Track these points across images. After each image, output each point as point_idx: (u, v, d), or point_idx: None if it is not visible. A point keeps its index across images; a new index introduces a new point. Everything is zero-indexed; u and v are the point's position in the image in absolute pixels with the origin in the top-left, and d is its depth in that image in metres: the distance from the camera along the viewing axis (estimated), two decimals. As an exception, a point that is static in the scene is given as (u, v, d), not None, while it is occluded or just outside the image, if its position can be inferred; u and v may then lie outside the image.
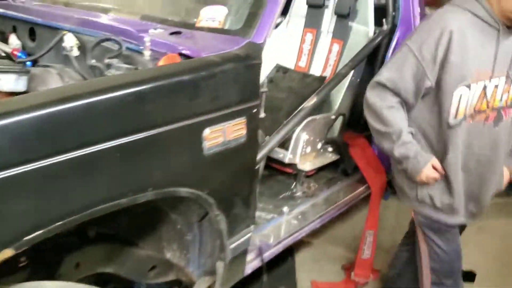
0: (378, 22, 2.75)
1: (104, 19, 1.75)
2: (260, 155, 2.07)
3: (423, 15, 2.69)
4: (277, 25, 3.08)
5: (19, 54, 1.83)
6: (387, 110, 1.78)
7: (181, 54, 1.50)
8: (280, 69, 3.04)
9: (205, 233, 1.72)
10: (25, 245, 1.04)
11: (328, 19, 2.98)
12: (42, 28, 1.79)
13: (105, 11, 1.90)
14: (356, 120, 3.01)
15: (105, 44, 1.54)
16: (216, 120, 1.43)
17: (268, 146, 2.12)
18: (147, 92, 1.21)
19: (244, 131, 1.53)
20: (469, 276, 2.64)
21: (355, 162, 2.74)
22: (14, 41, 1.88)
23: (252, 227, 1.77)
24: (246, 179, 1.63)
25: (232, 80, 1.47)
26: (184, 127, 1.33)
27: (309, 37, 3.04)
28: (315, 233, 3.13)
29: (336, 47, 2.92)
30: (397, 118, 1.79)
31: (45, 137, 1.04)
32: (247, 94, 1.53)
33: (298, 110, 2.32)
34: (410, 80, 1.74)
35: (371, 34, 2.76)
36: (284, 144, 2.40)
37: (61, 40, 1.61)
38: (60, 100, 1.06)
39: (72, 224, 1.11)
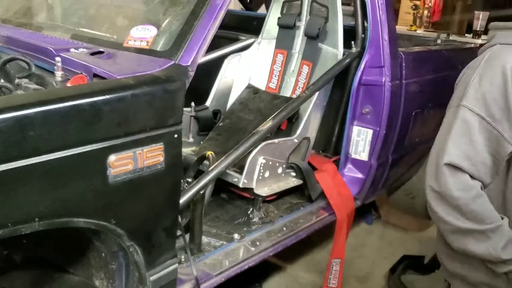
0: (348, 44, 2.68)
1: (30, 37, 1.70)
2: (207, 179, 2.00)
3: (393, 40, 2.60)
4: (249, 45, 3.03)
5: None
6: (475, 202, 1.42)
7: (96, 76, 1.44)
8: (251, 90, 2.98)
9: (131, 263, 1.64)
10: None
11: (299, 40, 2.91)
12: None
13: (40, 29, 1.86)
14: (323, 145, 2.93)
15: (22, 63, 1.49)
16: (124, 146, 1.35)
17: (216, 170, 2.04)
18: (30, 117, 1.14)
19: (161, 158, 1.46)
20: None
21: (320, 188, 2.65)
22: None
23: (182, 257, 1.69)
24: (165, 209, 1.55)
25: (147, 103, 1.40)
26: (81, 154, 1.25)
27: (279, 58, 2.97)
28: (288, 257, 3.04)
29: (306, 69, 2.84)
30: (488, 209, 1.43)
31: None
32: (165, 118, 1.46)
33: (252, 133, 2.25)
34: (484, 152, 1.40)
35: (340, 56, 2.69)
36: (242, 168, 2.32)
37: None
38: None
39: None
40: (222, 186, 2.45)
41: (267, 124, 2.27)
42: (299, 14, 2.89)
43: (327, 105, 2.72)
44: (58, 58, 1.41)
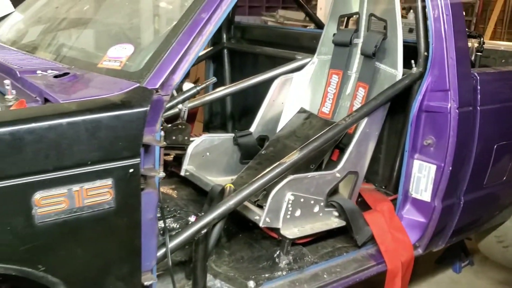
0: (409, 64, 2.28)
1: (11, 57, 1.61)
2: (210, 217, 1.76)
3: (462, 59, 2.15)
4: (303, 66, 2.75)
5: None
6: None
7: (47, 100, 1.28)
8: (303, 114, 2.69)
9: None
10: None
11: (356, 60, 2.56)
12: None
13: (35, 50, 1.78)
14: (385, 180, 2.53)
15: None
16: (55, 182, 1.17)
17: (223, 207, 1.80)
18: None
19: (109, 196, 1.25)
20: None
21: (370, 231, 2.25)
22: None
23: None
24: (120, 254, 1.33)
25: (90, 132, 1.21)
26: (-1, 190, 1.09)
27: (334, 79, 2.64)
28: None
29: (361, 92, 2.48)
30: None
31: None
32: (116, 150, 1.25)
33: (273, 166, 1.96)
34: None
35: (399, 77, 2.29)
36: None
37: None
38: None
39: None
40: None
41: (294, 155, 1.97)
42: (356, 30, 2.54)
43: (389, 134, 2.33)
44: (7, 81, 1.28)
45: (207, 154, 2.46)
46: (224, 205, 1.80)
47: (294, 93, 2.71)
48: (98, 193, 1.23)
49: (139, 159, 1.29)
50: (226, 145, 2.54)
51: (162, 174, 1.37)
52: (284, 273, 2.03)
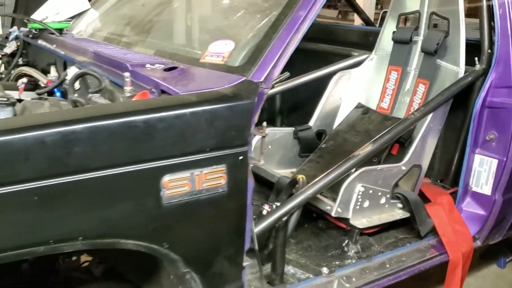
0: (471, 61, 2.34)
1: (114, 52, 1.72)
2: (291, 205, 1.85)
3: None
4: (361, 62, 2.82)
5: (51, 85, 1.90)
6: None
7: (164, 92, 1.39)
8: (361, 109, 2.76)
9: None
10: None
11: (415, 57, 2.63)
12: (69, 61, 1.84)
13: (130, 45, 1.88)
14: (441, 174, 2.59)
15: (98, 78, 1.49)
16: (181, 167, 1.27)
17: (302, 196, 1.89)
18: (76, 133, 1.11)
19: (223, 181, 1.35)
20: None
21: (432, 223, 2.32)
22: (52, 72, 1.97)
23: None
24: (228, 236, 1.43)
25: (208, 122, 1.30)
26: (131, 173, 1.19)
27: (393, 75, 2.71)
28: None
29: (422, 88, 2.54)
30: None
31: None
32: (229, 139, 1.35)
33: (347, 158, 2.04)
34: None
35: (461, 74, 2.35)
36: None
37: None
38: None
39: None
40: (318, 212, 2.27)
41: (367, 148, 2.05)
42: (417, 28, 2.61)
43: (446, 129, 2.39)
44: (126, 74, 1.39)
45: (269, 147, 2.54)
46: (302, 194, 1.89)
47: (352, 89, 2.78)
48: (214, 178, 1.33)
49: (247, 147, 1.38)
50: (286, 138, 2.62)
51: (262, 162, 1.46)
52: (354, 261, 2.12)
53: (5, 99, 1.44)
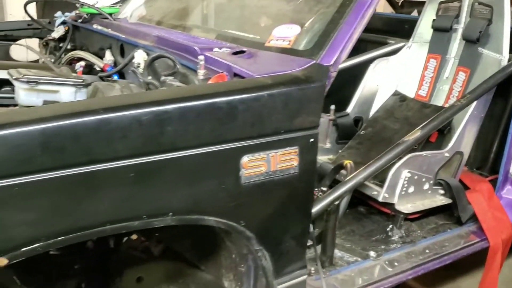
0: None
1: (177, 36, 1.75)
2: (343, 189, 1.88)
3: None
4: (398, 50, 2.84)
5: (108, 68, 1.93)
6: None
7: (236, 75, 1.42)
8: (398, 97, 2.78)
9: (259, 267, 1.59)
10: (21, 256, 1.03)
11: (455, 45, 2.64)
12: (128, 45, 1.87)
13: (187, 30, 1.91)
14: (478, 162, 2.62)
15: (168, 61, 1.52)
16: (258, 148, 1.30)
17: (353, 181, 1.91)
18: (168, 112, 1.14)
19: (295, 162, 1.38)
20: None
21: (472, 210, 2.36)
22: (108, 57, 2.00)
23: (313, 269, 1.59)
24: (296, 216, 1.47)
25: (283, 104, 1.34)
26: (215, 152, 1.23)
27: (432, 63, 2.72)
28: (429, 283, 2.75)
29: (462, 76, 2.56)
30: None
31: (51, 150, 1.03)
32: (302, 121, 1.38)
33: (397, 143, 2.07)
34: None
35: (504, 62, 2.37)
36: (383, 180, 2.16)
37: (133, 57, 1.65)
38: (71, 114, 1.05)
39: (74, 241, 1.09)
40: (359, 198, 2.30)
41: (415, 134, 2.07)
42: (457, 15, 2.62)
43: (485, 117, 2.41)
44: (201, 57, 1.42)
45: (308, 134, 2.57)
46: (354, 179, 1.92)
47: (388, 76, 2.80)
48: (287, 159, 1.37)
49: (317, 130, 1.42)
50: (323, 125, 2.65)
51: (328, 145, 1.49)
52: (398, 245, 2.15)
53: (81, 80, 1.47)
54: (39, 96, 1.44)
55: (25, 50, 2.75)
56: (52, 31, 2.44)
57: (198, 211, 1.25)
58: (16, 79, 1.39)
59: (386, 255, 2.09)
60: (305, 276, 1.57)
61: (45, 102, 1.45)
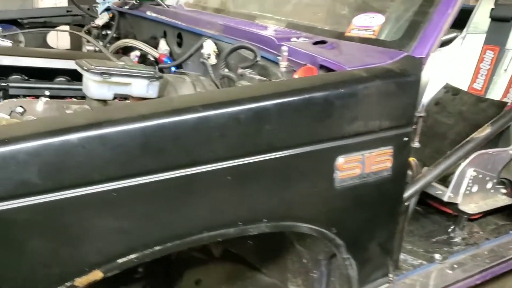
0: None
1: (246, 26, 1.63)
2: (413, 190, 1.76)
3: None
4: (450, 41, 2.70)
5: (165, 59, 1.82)
6: None
7: (322, 67, 1.30)
8: (450, 90, 2.65)
9: (333, 274, 1.49)
10: (116, 269, 0.93)
11: (516, 36, 2.51)
12: (188, 34, 1.75)
13: (251, 18, 1.79)
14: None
15: (243, 52, 1.41)
16: (353, 148, 1.19)
17: (424, 180, 1.79)
18: (267, 110, 1.04)
19: (389, 164, 1.27)
20: None
21: (536, 210, 2.24)
22: (163, 46, 1.88)
23: (391, 276, 1.49)
24: (385, 221, 1.36)
25: (379, 100, 1.23)
26: (310, 153, 1.12)
27: (489, 55, 2.58)
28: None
29: (523, 69, 2.43)
30: None
31: (149, 152, 0.92)
32: (397, 118, 1.27)
33: (466, 140, 1.95)
34: None
35: None
36: (444, 179, 2.04)
37: (201, 47, 1.54)
38: (170, 111, 0.95)
39: (170, 251, 0.99)
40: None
41: (485, 131, 1.95)
42: (520, 4, 2.48)
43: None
44: (284, 48, 1.30)
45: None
46: (424, 179, 1.80)
47: (440, 68, 2.67)
48: (382, 160, 1.26)
49: (411, 128, 1.30)
50: None
51: (417, 144, 1.38)
52: (462, 248, 2.04)
53: (153, 72, 1.36)
54: (110, 89, 1.33)
55: (55, 37, 2.65)
56: (95, 18, 2.32)
57: (291, 217, 1.14)
58: (88, 70, 1.29)
59: (452, 258, 1.98)
60: (387, 285, 1.46)
61: (116, 96, 1.35)
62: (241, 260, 1.78)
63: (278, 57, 1.35)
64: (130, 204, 0.92)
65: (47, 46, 2.53)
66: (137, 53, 1.85)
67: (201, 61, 1.51)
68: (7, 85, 1.51)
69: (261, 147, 1.05)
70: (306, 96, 1.10)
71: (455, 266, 1.94)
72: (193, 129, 0.96)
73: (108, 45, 2.16)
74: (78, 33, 2.07)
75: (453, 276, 1.88)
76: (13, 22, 2.34)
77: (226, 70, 1.38)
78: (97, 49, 2.22)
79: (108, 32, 2.33)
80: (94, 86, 1.31)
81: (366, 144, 1.22)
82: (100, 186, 0.88)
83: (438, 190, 2.03)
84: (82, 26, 2.57)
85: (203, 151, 0.98)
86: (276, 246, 1.61)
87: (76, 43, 2.55)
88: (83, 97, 1.70)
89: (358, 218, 1.28)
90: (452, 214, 2.16)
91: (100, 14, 2.31)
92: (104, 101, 1.36)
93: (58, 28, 2.42)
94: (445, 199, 2.00)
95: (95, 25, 2.29)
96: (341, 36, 1.49)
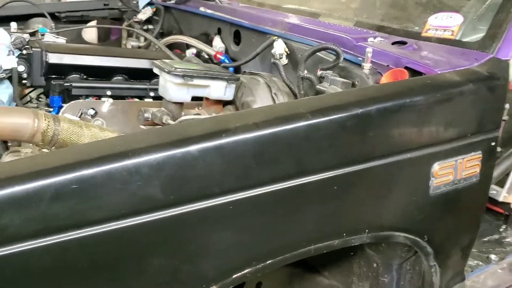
0: None
1: (314, 25, 1.58)
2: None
3: None
4: None
5: (222, 57, 1.77)
6: None
7: (407, 69, 1.26)
8: None
9: (404, 278, 1.46)
10: (230, 284, 0.90)
11: None
12: (248, 31, 1.70)
13: (314, 15, 1.74)
14: None
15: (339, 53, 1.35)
16: (448, 154, 1.16)
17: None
18: (371, 115, 1.00)
19: (477, 169, 1.23)
20: None
21: None
22: (218, 43, 1.83)
23: (465, 281, 1.46)
24: (470, 227, 1.33)
25: (471, 104, 1.19)
26: (409, 160, 1.09)
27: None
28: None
29: None
30: None
31: (264, 162, 0.88)
32: (486, 122, 1.23)
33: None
34: None
35: None
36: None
37: (271, 46, 1.49)
38: (282, 119, 0.91)
39: (279, 265, 0.95)
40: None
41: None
42: None
43: None
44: (369, 49, 1.26)
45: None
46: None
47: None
48: (472, 166, 1.22)
49: (498, 132, 1.27)
50: None
51: (499, 148, 1.35)
52: (515, 248, 2.02)
53: (230, 73, 1.32)
54: (188, 92, 1.29)
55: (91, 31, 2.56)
56: (137, 12, 2.26)
57: (389, 227, 1.11)
58: (169, 72, 1.24)
59: (508, 258, 1.95)
60: (461, 290, 1.44)
61: (193, 98, 1.31)
62: (301, 262, 1.75)
63: (359, 58, 1.31)
64: (245, 217, 0.89)
65: (82, 41, 2.47)
66: (193, 50, 1.80)
67: (273, 61, 1.46)
68: (71, 85, 1.47)
69: (364, 155, 1.01)
70: (407, 100, 1.07)
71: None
72: (304, 138, 0.92)
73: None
74: (133, 29, 2.00)
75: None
76: (51, 16, 2.27)
77: (306, 72, 1.33)
78: (140, 45, 2.17)
79: (150, 27, 2.28)
80: (174, 88, 1.26)
81: (459, 149, 1.18)
82: (218, 199, 0.85)
83: (493, 190, 2.01)
84: (118, 20, 2.52)
85: (313, 160, 0.94)
86: (342, 249, 1.59)
87: (103, 38, 2.48)
88: (141, 97, 1.66)
89: (446, 225, 1.25)
90: (502, 214, 2.14)
91: (142, 8, 2.26)
92: (181, 104, 1.32)
93: (111, 25, 2.36)
94: (500, 199, 1.98)
95: (137, 20, 2.23)
96: (417, 36, 1.44)
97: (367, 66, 1.28)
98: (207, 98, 1.36)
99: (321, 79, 1.31)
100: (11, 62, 1.42)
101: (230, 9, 1.83)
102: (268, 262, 0.93)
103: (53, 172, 0.73)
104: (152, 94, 1.58)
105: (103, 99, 1.47)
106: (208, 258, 0.86)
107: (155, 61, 1.32)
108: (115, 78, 1.62)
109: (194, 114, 1.35)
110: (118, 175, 0.76)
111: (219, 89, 1.32)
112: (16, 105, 1.47)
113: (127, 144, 0.81)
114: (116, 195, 0.76)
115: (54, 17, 2.35)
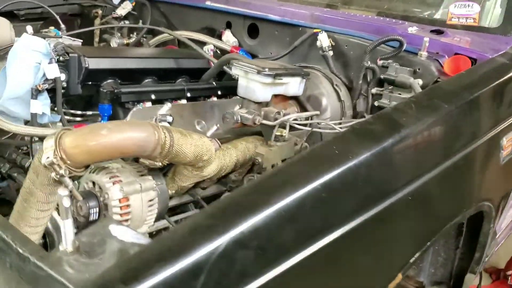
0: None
1: (343, 16, 1.65)
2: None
3: None
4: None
5: (239, 52, 1.76)
6: None
7: (457, 55, 1.40)
8: None
9: (438, 242, 1.63)
10: (408, 268, 0.96)
11: None
12: (268, 24, 1.71)
13: (332, 7, 1.81)
14: None
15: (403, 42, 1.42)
16: (510, 128, 1.33)
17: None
18: (479, 101, 1.13)
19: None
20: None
21: None
22: (230, 38, 1.81)
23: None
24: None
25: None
26: (493, 137, 1.25)
27: None
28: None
29: None
30: None
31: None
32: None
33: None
34: None
35: None
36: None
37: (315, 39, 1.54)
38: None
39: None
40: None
41: None
42: None
43: None
44: (426, 39, 1.37)
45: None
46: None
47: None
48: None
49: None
50: None
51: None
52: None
53: (301, 69, 1.34)
54: (271, 91, 1.28)
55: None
56: (115, 7, 2.11)
57: (482, 199, 1.28)
58: (259, 72, 1.22)
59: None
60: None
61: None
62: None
63: (418, 48, 1.41)
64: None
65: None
66: (211, 46, 1.75)
67: (322, 54, 1.50)
68: (120, 91, 1.35)
69: (475, 136, 1.14)
70: (491, 86, 1.21)
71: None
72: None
73: (144, 38, 1.99)
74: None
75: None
76: (9, 14, 2.03)
77: (368, 62, 1.41)
78: (125, 43, 2.04)
79: (126, 22, 2.14)
80: (261, 88, 1.25)
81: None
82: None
83: None
84: (78, 16, 2.33)
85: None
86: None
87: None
88: (176, 99, 1.59)
89: (506, 190, 1.44)
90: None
91: (121, 2, 2.11)
92: (260, 103, 1.31)
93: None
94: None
95: (116, 16, 2.08)
96: (443, 24, 1.59)
97: (424, 54, 1.39)
98: (276, 95, 1.36)
99: (383, 68, 1.40)
100: (55, 71, 1.28)
101: (242, 2, 1.81)
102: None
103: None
104: (188, 94, 1.52)
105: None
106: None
107: (236, 62, 1.29)
108: (178, 80, 1.55)
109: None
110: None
111: (295, 86, 1.34)
112: (61, 119, 1.34)
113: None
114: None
115: (12, 15, 2.11)
